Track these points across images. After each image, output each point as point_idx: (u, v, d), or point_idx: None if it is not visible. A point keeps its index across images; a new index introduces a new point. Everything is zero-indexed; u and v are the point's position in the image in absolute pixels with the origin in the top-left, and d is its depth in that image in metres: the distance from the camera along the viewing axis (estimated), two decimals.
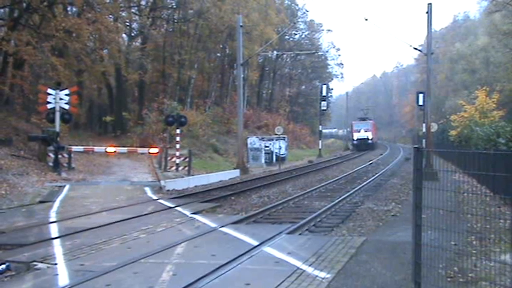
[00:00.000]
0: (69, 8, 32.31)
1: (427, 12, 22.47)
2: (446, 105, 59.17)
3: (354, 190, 16.97)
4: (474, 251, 7.12)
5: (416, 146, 5.71)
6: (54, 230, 10.04)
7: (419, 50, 28.34)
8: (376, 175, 23.20)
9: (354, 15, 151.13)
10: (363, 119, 66.45)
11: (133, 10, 40.34)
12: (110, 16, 32.25)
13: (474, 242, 7.62)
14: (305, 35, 73.84)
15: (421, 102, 25.19)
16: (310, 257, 7.35)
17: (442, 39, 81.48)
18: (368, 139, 60.39)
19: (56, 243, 8.79)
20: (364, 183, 19.53)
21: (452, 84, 66.39)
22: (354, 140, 61.93)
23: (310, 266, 6.88)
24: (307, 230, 10.53)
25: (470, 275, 6.03)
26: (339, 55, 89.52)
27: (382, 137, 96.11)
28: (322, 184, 19.46)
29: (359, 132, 60.94)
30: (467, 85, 56.49)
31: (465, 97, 42.70)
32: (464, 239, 7.49)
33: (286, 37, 65.87)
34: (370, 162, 33.70)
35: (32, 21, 26.52)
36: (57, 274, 6.82)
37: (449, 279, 5.98)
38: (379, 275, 6.44)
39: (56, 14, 26.29)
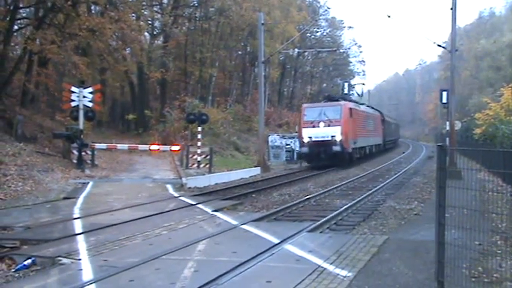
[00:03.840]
0: (92, 7, 32.74)
1: (451, 9, 22.11)
2: (470, 103, 58.08)
3: (375, 188, 16.81)
4: (499, 251, 6.99)
5: (440, 144, 5.64)
6: (78, 225, 10.20)
7: (443, 47, 27.94)
8: (398, 173, 22.95)
9: (376, 12, 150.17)
10: (332, 99, 31.37)
11: (155, 8, 40.68)
12: (133, 15, 32.58)
13: (499, 242, 7.49)
14: (326, 33, 73.34)
15: (444, 100, 24.74)
16: (332, 255, 7.31)
17: (466, 35, 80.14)
18: (334, 142, 27.28)
19: (80, 238, 8.92)
20: (386, 181, 19.35)
21: (477, 82, 65.31)
22: (302, 142, 28.62)
23: (331, 264, 6.85)
24: (328, 228, 10.48)
25: (495, 275, 5.93)
26: (361, 52, 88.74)
27: (404, 135, 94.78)
28: (344, 182, 19.35)
29: (315, 127, 27.90)
30: (492, 82, 55.53)
31: (490, 95, 41.98)
32: (488, 238, 7.36)
33: (308, 35, 65.52)
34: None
35: (57, 20, 26.94)
36: (81, 269, 6.92)
37: (473, 279, 5.88)
38: (401, 274, 6.38)
39: (79, 13, 26.67)
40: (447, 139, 26.19)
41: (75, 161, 21.19)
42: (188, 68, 43.52)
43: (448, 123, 25.08)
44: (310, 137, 27.47)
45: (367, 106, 39.53)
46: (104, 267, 6.94)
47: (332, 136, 27.07)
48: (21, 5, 25.81)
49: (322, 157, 27.30)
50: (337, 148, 26.81)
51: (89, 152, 22.40)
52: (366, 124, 33.96)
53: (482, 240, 6.39)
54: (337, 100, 30.46)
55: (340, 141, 26.96)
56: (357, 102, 35.40)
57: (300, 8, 57.35)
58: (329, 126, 27.33)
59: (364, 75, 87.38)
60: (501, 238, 7.56)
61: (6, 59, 25.76)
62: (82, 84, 22.01)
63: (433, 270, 5.57)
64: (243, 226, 10.08)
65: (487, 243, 7.07)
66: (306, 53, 64.92)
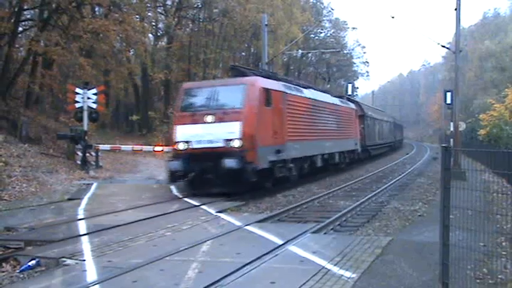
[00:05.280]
0: (96, 9, 32.84)
1: (455, 9, 22.06)
2: (474, 104, 57.96)
3: (379, 189, 16.79)
4: (504, 253, 6.98)
5: (444, 145, 5.63)
6: (82, 227, 10.23)
7: (447, 48, 27.85)
8: (403, 175, 22.91)
9: (380, 13, 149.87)
10: (241, 73, 17.74)
11: (159, 10, 40.76)
12: (137, 16, 32.65)
13: (504, 243, 7.47)
14: (330, 34, 73.31)
15: (449, 101, 24.69)
16: (336, 256, 7.30)
17: (471, 36, 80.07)
18: (228, 151, 14.49)
19: (84, 239, 8.95)
20: (390, 182, 19.32)
21: (481, 83, 65.21)
22: (174, 151, 15.85)
23: (335, 265, 6.84)
24: (332, 229, 10.48)
25: (499, 276, 5.92)
26: (365, 53, 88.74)
27: (408, 136, 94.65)
28: (347, 183, 19.31)
29: (198, 123, 15.19)
30: (497, 83, 55.48)
31: (494, 96, 41.93)
32: (493, 240, 7.33)
33: (311, 35, 65.51)
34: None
35: (61, 22, 27.03)
36: (85, 270, 6.94)
37: (478, 280, 5.88)
38: (405, 275, 6.37)
39: (84, 15, 26.75)
40: (451, 140, 26.14)
41: (79, 162, 21.24)
42: (192, 69, 43.55)
43: (452, 124, 25.04)
44: (188, 142, 15.14)
45: (332, 95, 26.08)
46: (108, 268, 6.95)
47: (226, 140, 14.73)
48: (25, 7, 25.90)
49: (208, 178, 15.04)
50: (231, 163, 14.13)
51: (93, 153, 22.45)
52: (313, 120, 20.40)
53: (487, 241, 6.35)
54: (244, 75, 17.36)
55: (241, 149, 14.53)
56: (290, 82, 20.40)
57: (303, 9, 57.32)
58: (221, 121, 14.92)
59: (368, 76, 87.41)
60: (506, 239, 7.53)
61: (11, 61, 25.86)
62: (86, 86, 22.06)
63: (438, 271, 5.55)
64: (247, 227, 10.07)
65: (491, 244, 7.03)
66: (310, 54, 64.89)
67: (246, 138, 14.61)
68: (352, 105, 29.20)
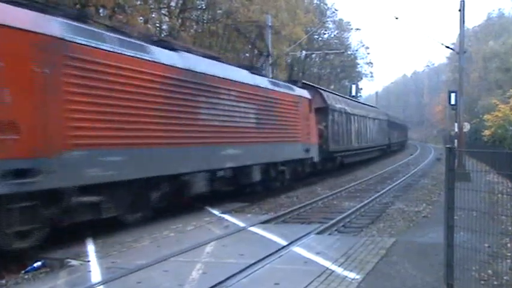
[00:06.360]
0: (101, 10, 32.94)
1: (459, 10, 22.03)
2: (479, 105, 57.76)
3: (383, 190, 16.77)
4: (509, 254, 6.95)
5: (448, 146, 5.63)
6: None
7: (451, 49, 27.80)
8: (407, 176, 22.88)
9: (383, 14, 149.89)
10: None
11: (163, 11, 40.80)
12: (141, 18, 32.73)
13: (509, 245, 7.44)
14: (334, 34, 73.34)
15: (453, 102, 24.67)
16: (340, 258, 7.30)
17: (475, 37, 79.79)
18: None
19: (89, 241, 8.96)
20: (394, 183, 19.30)
21: (486, 83, 65.04)
22: None
23: (339, 266, 6.84)
24: (336, 230, 10.48)
25: (504, 278, 5.89)
26: (368, 53, 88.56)
27: (412, 137, 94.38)
28: (351, 184, 19.31)
29: None
30: (501, 84, 55.29)
31: (499, 96, 41.74)
32: (498, 241, 7.31)
33: (315, 36, 65.51)
34: None
35: None
36: (90, 271, 6.97)
37: (482, 282, 5.85)
38: (409, 276, 6.36)
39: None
40: (456, 141, 26.10)
41: None
42: None
43: (456, 125, 24.99)
44: None
45: (253, 72, 16.14)
46: (112, 269, 6.97)
47: None
48: None
49: None
50: None
51: None
52: (183, 108, 11.17)
53: (491, 242, 6.35)
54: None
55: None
56: (115, 30, 10.54)
57: (307, 10, 57.29)
58: None
59: (372, 77, 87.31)
60: (511, 240, 7.50)
61: None
62: None
63: (442, 272, 5.55)
64: (251, 228, 10.07)
65: (496, 245, 7.02)
66: (314, 55, 64.88)
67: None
68: (304, 93, 19.65)
